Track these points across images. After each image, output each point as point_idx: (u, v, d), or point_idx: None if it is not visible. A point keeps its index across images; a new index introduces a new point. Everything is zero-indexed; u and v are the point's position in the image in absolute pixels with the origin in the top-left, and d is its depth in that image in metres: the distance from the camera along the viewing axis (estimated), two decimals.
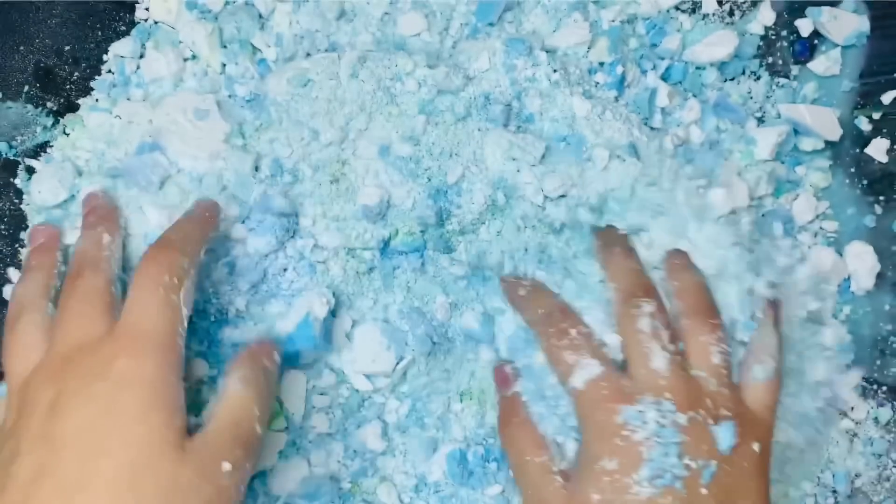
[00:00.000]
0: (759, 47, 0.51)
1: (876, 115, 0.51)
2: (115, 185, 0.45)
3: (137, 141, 0.45)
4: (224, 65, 0.48)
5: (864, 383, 0.50)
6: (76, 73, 0.49)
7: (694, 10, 0.51)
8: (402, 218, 0.44)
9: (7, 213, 0.48)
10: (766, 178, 0.48)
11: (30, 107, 0.49)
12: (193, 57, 0.48)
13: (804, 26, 0.50)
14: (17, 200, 0.48)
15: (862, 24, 0.50)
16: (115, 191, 0.45)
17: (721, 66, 0.50)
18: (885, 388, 0.50)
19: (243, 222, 0.44)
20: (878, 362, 0.50)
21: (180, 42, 0.48)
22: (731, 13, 0.51)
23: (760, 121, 0.50)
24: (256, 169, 0.44)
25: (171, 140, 0.44)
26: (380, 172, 0.44)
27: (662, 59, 0.49)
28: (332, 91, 0.45)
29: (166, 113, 0.45)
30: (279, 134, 0.45)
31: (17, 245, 0.48)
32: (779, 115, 0.50)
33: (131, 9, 0.50)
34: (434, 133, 0.45)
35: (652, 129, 0.48)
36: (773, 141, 0.48)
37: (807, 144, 0.50)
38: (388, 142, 0.44)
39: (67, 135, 0.48)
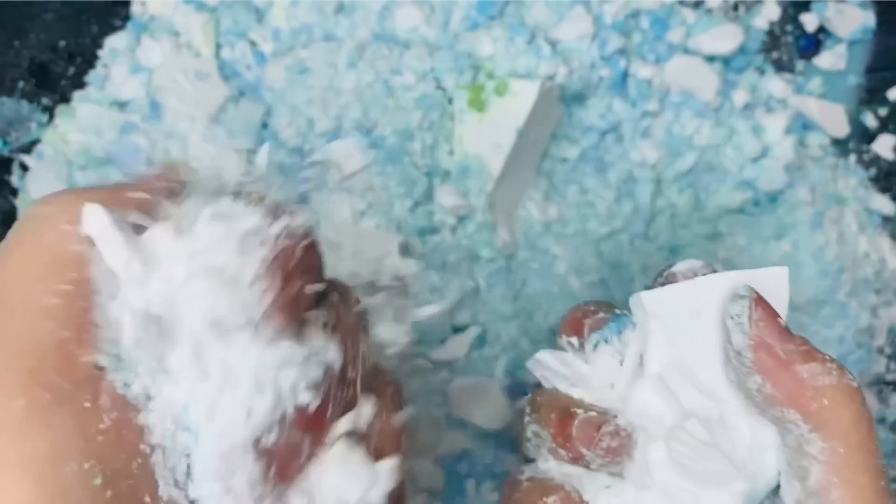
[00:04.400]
0: (763, 42, 0.50)
1: (882, 112, 0.50)
2: (108, 174, 0.45)
3: (122, 123, 0.46)
4: (219, 49, 0.47)
5: (875, 383, 0.49)
6: (71, 69, 0.49)
7: (698, 5, 0.50)
8: None
9: (1, 211, 0.48)
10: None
11: (24, 103, 0.48)
12: (190, 48, 0.48)
13: (809, 21, 0.50)
14: (11, 198, 0.48)
15: (867, 18, 0.50)
16: (108, 180, 0.45)
17: (726, 60, 0.50)
18: (892, 387, 0.49)
19: None
20: (888, 362, 0.49)
21: (177, 34, 0.48)
22: (735, 8, 0.50)
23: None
24: (265, 126, 0.44)
25: (169, 98, 0.45)
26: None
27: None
28: (329, 80, 0.45)
29: (166, 72, 0.46)
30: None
31: None
32: (785, 109, 0.50)
33: (126, 3, 0.49)
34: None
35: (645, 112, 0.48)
36: (783, 125, 0.48)
37: (813, 140, 0.49)
38: (382, 134, 0.44)
39: (56, 128, 0.48)
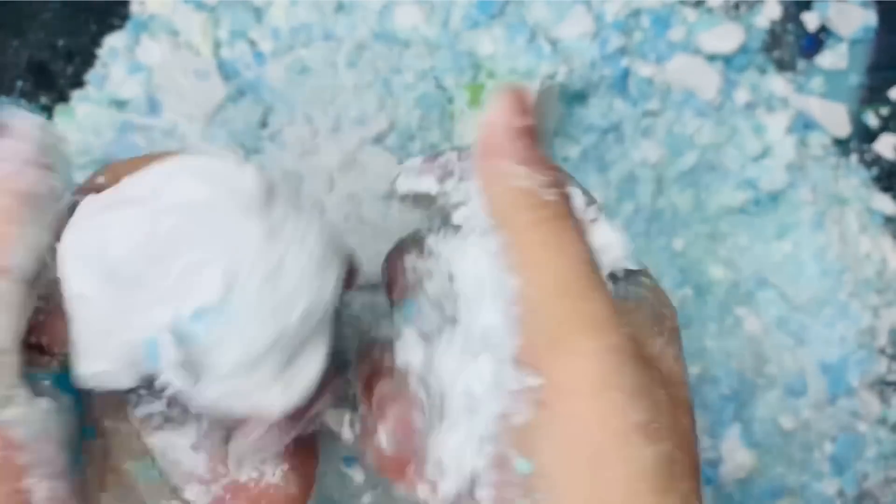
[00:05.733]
0: (764, 41, 0.50)
1: (884, 111, 0.50)
2: None
3: (120, 122, 0.46)
4: (218, 49, 0.47)
5: (877, 384, 0.49)
6: (70, 68, 0.49)
7: (698, 4, 0.50)
8: None
9: None
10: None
11: (23, 102, 0.48)
12: (189, 48, 0.48)
13: (811, 20, 0.50)
14: None
15: (869, 18, 0.50)
16: None
17: (727, 59, 0.50)
18: (894, 388, 0.49)
19: None
20: (889, 363, 0.49)
21: (176, 33, 0.48)
22: (736, 7, 0.50)
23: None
24: (264, 125, 0.44)
25: (169, 98, 0.45)
26: None
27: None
28: (329, 79, 0.45)
29: (165, 71, 0.46)
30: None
31: None
32: (786, 108, 0.50)
33: (125, 3, 0.49)
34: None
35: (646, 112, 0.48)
36: (784, 124, 0.48)
37: (814, 140, 0.49)
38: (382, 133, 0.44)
39: (55, 127, 0.48)
